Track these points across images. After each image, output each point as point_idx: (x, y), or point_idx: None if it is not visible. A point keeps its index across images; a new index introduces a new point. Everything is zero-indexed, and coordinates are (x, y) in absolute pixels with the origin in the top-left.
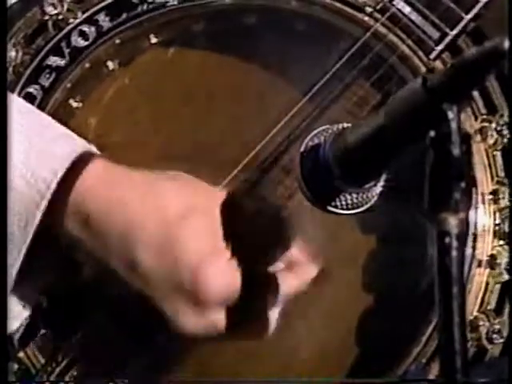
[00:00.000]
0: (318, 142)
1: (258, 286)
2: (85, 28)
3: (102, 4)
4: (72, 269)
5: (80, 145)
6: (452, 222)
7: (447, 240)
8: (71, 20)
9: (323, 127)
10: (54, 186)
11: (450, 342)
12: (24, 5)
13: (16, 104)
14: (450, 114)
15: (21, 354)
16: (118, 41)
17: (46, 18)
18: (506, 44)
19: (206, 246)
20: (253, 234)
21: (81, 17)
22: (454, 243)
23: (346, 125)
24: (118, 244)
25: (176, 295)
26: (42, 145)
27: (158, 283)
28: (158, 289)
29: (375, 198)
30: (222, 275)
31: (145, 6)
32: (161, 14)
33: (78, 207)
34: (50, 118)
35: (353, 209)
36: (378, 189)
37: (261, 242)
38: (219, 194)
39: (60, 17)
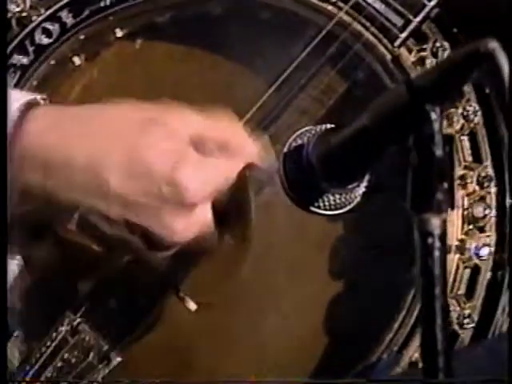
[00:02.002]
0: (301, 143)
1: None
2: (48, 25)
3: (65, 0)
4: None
5: (21, 96)
6: (435, 223)
7: (430, 240)
8: (34, 17)
9: (306, 128)
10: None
11: (432, 342)
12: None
13: None
14: (433, 115)
15: None
16: (82, 36)
17: (10, 15)
18: (491, 45)
19: (172, 152)
20: None
21: (44, 14)
22: (437, 244)
23: (329, 126)
24: (87, 178)
25: (159, 207)
26: None
27: (138, 201)
28: (140, 208)
29: (358, 199)
30: (197, 173)
31: (108, 1)
32: (125, 7)
33: (32, 153)
34: None
35: (336, 209)
36: (361, 189)
37: None
38: (168, 108)
39: (23, 14)
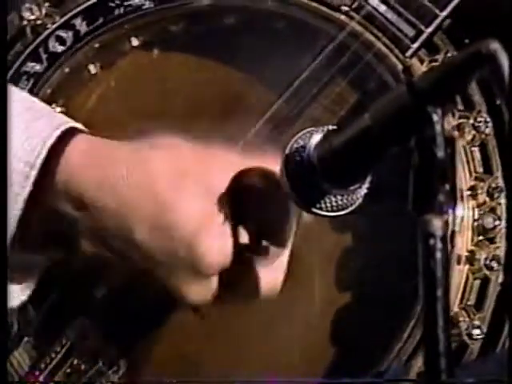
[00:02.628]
0: (302, 144)
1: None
2: (62, 33)
3: (79, 8)
4: (68, 249)
5: (64, 121)
6: (436, 224)
7: (431, 242)
8: (49, 25)
9: (308, 129)
10: (43, 155)
11: (434, 343)
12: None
13: None
14: (435, 117)
15: None
16: (97, 44)
17: (25, 23)
18: (493, 46)
19: (200, 213)
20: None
21: (58, 21)
22: (439, 245)
23: (331, 127)
24: (114, 223)
25: (176, 267)
26: (26, 122)
27: (158, 257)
28: (159, 263)
29: (360, 200)
30: (217, 242)
31: (122, 10)
32: (139, 16)
33: (66, 185)
34: (32, 98)
35: (338, 211)
36: (363, 191)
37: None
38: (208, 155)
39: (38, 22)
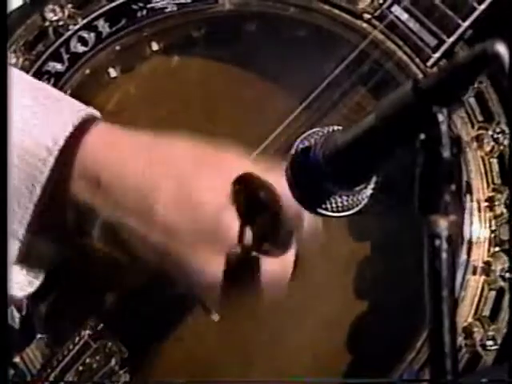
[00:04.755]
0: (308, 145)
1: None
2: (84, 34)
3: (102, 10)
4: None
5: (83, 108)
6: (442, 225)
7: (437, 242)
8: (71, 26)
9: (314, 129)
10: (61, 141)
11: (440, 345)
12: (24, 12)
13: (16, 76)
14: (440, 117)
15: (16, 359)
16: (118, 47)
17: (47, 24)
18: (499, 47)
19: (222, 191)
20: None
21: (80, 23)
22: (444, 246)
23: (336, 127)
24: (135, 205)
25: (200, 245)
26: (46, 108)
27: (181, 236)
28: (182, 242)
29: (365, 201)
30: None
31: (144, 12)
32: (161, 20)
33: (85, 171)
34: (48, 86)
35: (343, 211)
36: (369, 191)
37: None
38: (228, 154)
39: (60, 23)
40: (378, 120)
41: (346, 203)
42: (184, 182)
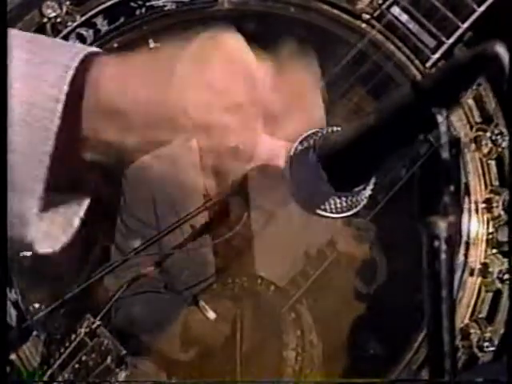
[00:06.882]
0: (307, 146)
1: None
2: (82, 31)
3: (101, 7)
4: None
5: (81, 48)
6: (441, 226)
7: (436, 243)
8: (69, 23)
9: (312, 130)
10: (65, 87)
11: (439, 345)
12: (23, 8)
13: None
14: (439, 118)
15: (13, 357)
16: (116, 44)
17: (45, 20)
18: (498, 48)
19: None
20: None
21: (79, 20)
22: (443, 247)
23: (335, 128)
24: (157, 114)
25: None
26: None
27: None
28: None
29: (364, 202)
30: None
31: (143, 10)
32: (159, 18)
33: (97, 100)
34: (40, 36)
35: (342, 212)
36: (367, 192)
37: None
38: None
39: (58, 20)
40: (377, 121)
41: (344, 204)
42: (199, 64)
